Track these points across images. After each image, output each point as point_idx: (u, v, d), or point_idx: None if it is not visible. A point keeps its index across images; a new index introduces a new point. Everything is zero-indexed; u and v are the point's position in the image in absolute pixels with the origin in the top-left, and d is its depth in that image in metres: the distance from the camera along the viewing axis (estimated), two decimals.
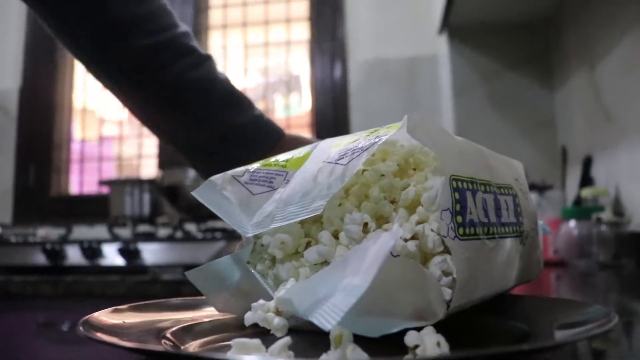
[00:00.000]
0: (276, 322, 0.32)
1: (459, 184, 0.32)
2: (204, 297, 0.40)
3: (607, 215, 1.24)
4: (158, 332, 0.33)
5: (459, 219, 0.31)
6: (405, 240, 0.31)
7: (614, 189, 1.33)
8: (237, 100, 0.63)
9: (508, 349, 0.25)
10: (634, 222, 1.25)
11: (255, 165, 0.40)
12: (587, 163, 1.43)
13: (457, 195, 0.32)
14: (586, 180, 1.41)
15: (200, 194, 0.39)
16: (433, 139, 0.32)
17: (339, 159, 0.34)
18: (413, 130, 0.31)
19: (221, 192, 0.39)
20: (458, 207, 0.31)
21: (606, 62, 1.39)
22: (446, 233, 0.30)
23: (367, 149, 0.34)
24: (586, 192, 1.33)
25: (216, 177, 0.40)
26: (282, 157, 0.40)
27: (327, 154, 0.37)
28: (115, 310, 0.36)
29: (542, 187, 1.52)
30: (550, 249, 1.35)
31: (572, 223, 1.26)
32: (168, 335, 0.32)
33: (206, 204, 0.38)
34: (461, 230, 0.31)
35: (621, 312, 0.53)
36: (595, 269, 1.20)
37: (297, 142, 0.61)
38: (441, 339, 0.26)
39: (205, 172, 0.62)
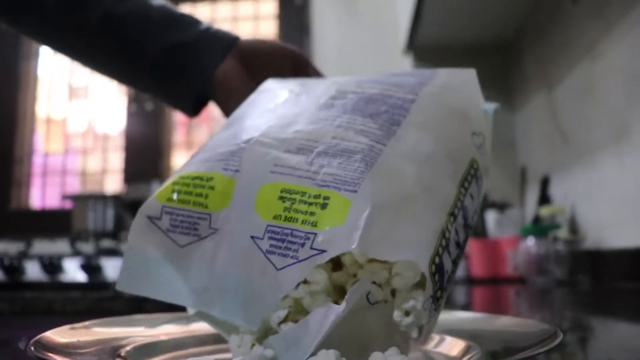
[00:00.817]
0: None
1: (436, 259, 0.30)
2: (163, 314, 0.40)
3: (563, 233, 1.28)
4: (113, 351, 0.33)
5: (438, 294, 0.30)
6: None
7: (570, 207, 1.38)
8: (178, 19, 0.58)
9: None
10: (588, 240, 1.29)
11: (171, 194, 0.34)
12: (545, 182, 1.47)
13: (437, 277, 0.30)
14: (544, 199, 1.45)
15: (126, 283, 0.33)
16: (393, 242, 0.29)
17: (270, 248, 0.30)
18: (365, 247, 0.28)
19: (144, 258, 0.33)
20: (438, 290, 0.30)
21: (563, 86, 1.44)
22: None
23: (304, 259, 0.29)
24: (544, 211, 1.37)
25: (132, 234, 0.34)
26: (200, 184, 0.34)
27: (252, 189, 0.32)
28: (70, 329, 0.36)
29: (502, 205, 1.56)
30: (510, 265, 1.38)
31: (531, 241, 1.30)
32: (123, 354, 0.33)
33: (138, 292, 0.34)
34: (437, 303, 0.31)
35: (576, 328, 0.55)
36: (553, 285, 1.23)
37: (257, 48, 0.57)
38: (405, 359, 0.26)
39: (165, 96, 0.59)
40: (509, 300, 1.01)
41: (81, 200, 1.77)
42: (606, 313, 0.75)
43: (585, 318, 0.69)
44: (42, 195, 2.23)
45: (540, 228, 1.32)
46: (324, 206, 0.29)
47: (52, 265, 1.42)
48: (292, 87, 0.42)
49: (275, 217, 0.30)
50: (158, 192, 0.34)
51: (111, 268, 1.42)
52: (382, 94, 0.37)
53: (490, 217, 1.56)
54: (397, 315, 0.29)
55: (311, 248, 0.29)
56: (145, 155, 2.13)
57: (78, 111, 2.31)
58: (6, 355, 0.54)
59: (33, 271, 1.44)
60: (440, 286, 0.30)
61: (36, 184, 2.24)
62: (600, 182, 1.25)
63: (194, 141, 2.25)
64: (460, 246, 0.34)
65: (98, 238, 1.70)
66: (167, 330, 0.39)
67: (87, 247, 1.70)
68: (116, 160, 2.20)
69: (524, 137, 1.76)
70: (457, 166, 0.35)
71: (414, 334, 0.29)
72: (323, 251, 0.28)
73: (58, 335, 0.33)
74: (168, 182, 0.35)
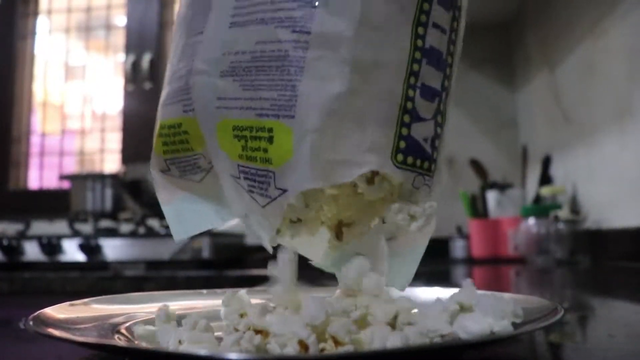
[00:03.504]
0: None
1: (401, 144, 0.30)
2: (161, 292, 0.39)
3: (564, 213, 1.28)
4: (112, 327, 0.32)
5: None
6: None
7: (571, 187, 1.37)
8: None
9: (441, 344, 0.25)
10: (589, 220, 1.28)
11: (162, 146, 0.36)
12: (546, 162, 1.47)
13: (410, 160, 0.31)
14: (545, 179, 1.45)
15: (180, 232, 0.37)
16: (346, 160, 0.29)
17: (248, 187, 0.31)
18: (319, 181, 0.29)
19: (180, 205, 0.36)
20: None
21: (565, 65, 1.42)
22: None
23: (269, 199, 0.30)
24: (545, 191, 1.36)
25: (159, 192, 0.37)
26: (175, 132, 0.35)
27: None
28: (70, 305, 0.35)
29: (503, 185, 1.56)
30: (510, 245, 1.38)
31: (532, 221, 1.30)
32: (122, 330, 0.32)
33: (195, 232, 0.36)
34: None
35: (576, 307, 0.55)
36: (553, 265, 1.23)
37: None
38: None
39: None
40: (509, 280, 1.01)
41: (79, 180, 1.76)
42: (606, 292, 0.75)
43: (585, 297, 0.69)
44: (40, 175, 2.22)
45: (541, 208, 1.32)
46: (270, 140, 0.29)
47: (50, 246, 1.41)
48: None
49: (240, 157, 0.31)
50: (155, 146, 0.37)
51: (110, 248, 1.42)
52: None
53: (491, 197, 1.56)
54: (404, 222, 0.30)
55: (276, 188, 0.29)
56: (143, 135, 2.10)
57: (75, 91, 2.29)
58: (6, 334, 0.54)
59: (32, 251, 1.43)
60: (424, 156, 0.30)
61: (34, 164, 2.23)
62: (602, 162, 1.24)
63: None
64: (437, 93, 0.31)
65: (97, 218, 1.69)
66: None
67: (86, 228, 1.70)
68: (114, 140, 2.19)
69: (526, 117, 1.75)
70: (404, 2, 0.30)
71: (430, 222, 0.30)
72: (285, 190, 0.29)
73: (57, 311, 0.33)
74: (156, 132, 0.36)
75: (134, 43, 2.15)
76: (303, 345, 0.24)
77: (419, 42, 0.30)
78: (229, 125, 0.31)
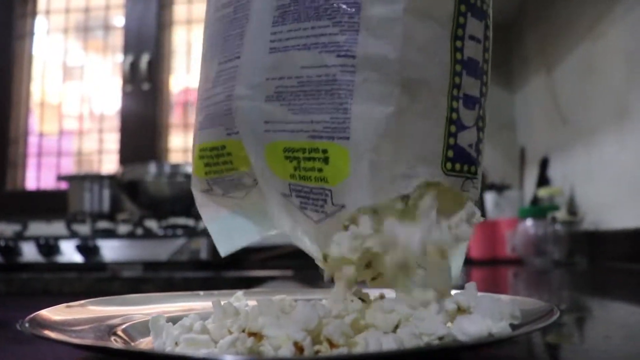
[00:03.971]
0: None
1: (449, 153, 0.32)
2: (159, 293, 0.39)
3: (561, 214, 1.28)
4: (109, 329, 0.32)
5: None
6: None
7: (568, 189, 1.37)
8: None
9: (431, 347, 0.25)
10: (586, 221, 1.29)
11: (204, 167, 0.37)
12: (544, 164, 1.47)
13: (458, 166, 0.32)
14: (543, 180, 1.45)
15: (225, 247, 0.39)
16: (401, 174, 0.31)
17: (300, 204, 0.32)
18: (378, 197, 0.30)
19: (223, 222, 0.38)
20: None
21: (563, 66, 1.43)
22: None
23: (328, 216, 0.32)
24: (543, 192, 1.36)
25: (202, 211, 0.39)
26: (219, 154, 0.36)
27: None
28: (66, 307, 0.35)
29: (501, 186, 1.56)
30: (508, 247, 1.39)
31: (529, 222, 1.30)
32: (119, 332, 0.32)
33: (238, 247, 0.38)
34: None
35: (574, 308, 0.55)
36: (551, 266, 1.23)
37: None
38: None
39: None
40: (507, 281, 1.01)
41: (77, 181, 1.76)
42: (603, 293, 0.75)
43: (582, 298, 0.69)
44: (37, 176, 2.22)
45: (538, 209, 1.32)
46: (326, 160, 0.30)
47: (48, 247, 1.41)
48: None
49: (291, 177, 0.32)
50: (195, 169, 0.38)
51: (108, 249, 1.42)
52: None
53: (489, 198, 1.56)
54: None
55: (333, 204, 0.31)
56: (141, 136, 2.11)
57: (73, 91, 2.29)
58: (3, 335, 0.54)
59: (29, 252, 1.43)
60: (470, 162, 0.32)
61: (31, 165, 2.23)
62: (600, 163, 1.24)
63: (190, 122, 2.23)
64: (477, 100, 0.34)
65: (94, 219, 1.69)
66: (163, 309, 0.39)
67: (84, 229, 1.70)
68: (112, 140, 2.19)
69: (524, 118, 1.76)
70: (438, 15, 0.32)
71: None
72: (342, 206, 0.30)
73: (53, 313, 0.33)
74: (194, 157, 0.38)
75: (133, 43, 2.14)
76: (298, 347, 0.24)
77: (458, 55, 0.32)
78: (279, 147, 0.32)
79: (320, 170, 0.31)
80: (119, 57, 2.20)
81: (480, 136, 0.34)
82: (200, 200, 0.39)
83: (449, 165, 0.31)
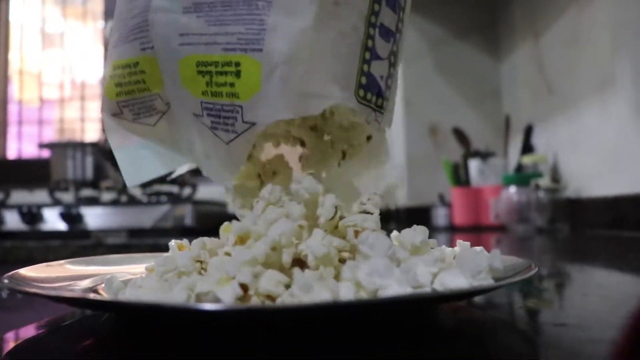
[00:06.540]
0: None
1: (362, 79, 0.32)
2: (140, 254, 0.39)
3: (545, 181, 1.29)
4: (90, 287, 0.32)
5: None
6: None
7: (552, 156, 1.38)
8: None
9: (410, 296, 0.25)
10: (569, 189, 1.30)
11: (115, 88, 0.35)
12: (529, 131, 1.47)
13: (369, 96, 0.32)
14: (527, 148, 1.46)
15: (133, 178, 0.36)
16: (313, 92, 0.30)
17: (212, 124, 0.31)
18: (288, 112, 0.30)
19: (132, 150, 0.36)
20: None
21: (549, 35, 1.42)
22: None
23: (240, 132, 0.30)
24: (526, 159, 1.37)
25: (110, 136, 0.36)
26: (131, 72, 0.35)
27: None
28: (46, 266, 0.35)
29: (486, 154, 1.57)
30: (491, 214, 1.40)
31: (513, 189, 1.31)
32: (99, 289, 0.32)
33: (147, 179, 0.36)
34: None
35: (555, 274, 0.56)
36: (533, 233, 1.25)
37: None
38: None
39: None
40: (490, 247, 1.02)
41: (59, 148, 1.74)
42: (584, 259, 0.76)
43: (563, 263, 0.70)
44: (19, 145, 2.18)
45: (522, 177, 1.33)
46: (237, 74, 0.30)
47: (31, 215, 1.40)
48: None
49: (203, 94, 0.31)
50: (106, 89, 0.36)
51: (92, 216, 1.41)
52: None
53: (474, 165, 1.57)
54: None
55: (243, 122, 0.30)
56: None
57: (53, 59, 2.24)
58: None
59: (12, 221, 1.42)
60: (380, 93, 0.32)
61: (12, 134, 2.19)
62: (583, 132, 1.25)
63: None
64: (393, 34, 0.33)
65: (78, 187, 1.68)
66: (142, 269, 0.39)
67: (67, 197, 1.68)
68: (94, 109, 2.16)
69: (509, 87, 1.75)
70: None
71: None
72: (253, 124, 0.30)
73: (33, 271, 0.33)
74: (107, 74, 0.35)
75: (113, 9, 2.09)
76: (244, 287, 0.24)
77: None
78: (193, 61, 0.31)
79: (232, 85, 0.30)
80: (100, 23, 2.15)
81: (391, 71, 0.34)
82: (109, 125, 0.36)
83: (361, 92, 0.31)
